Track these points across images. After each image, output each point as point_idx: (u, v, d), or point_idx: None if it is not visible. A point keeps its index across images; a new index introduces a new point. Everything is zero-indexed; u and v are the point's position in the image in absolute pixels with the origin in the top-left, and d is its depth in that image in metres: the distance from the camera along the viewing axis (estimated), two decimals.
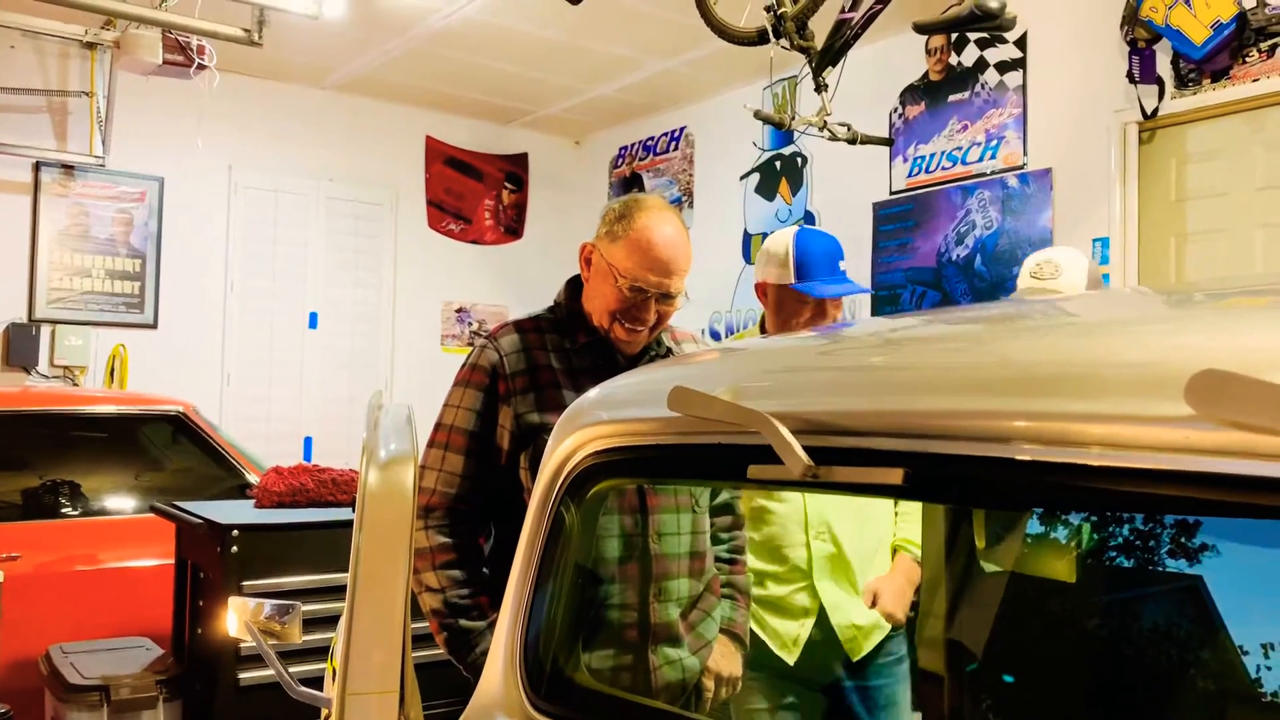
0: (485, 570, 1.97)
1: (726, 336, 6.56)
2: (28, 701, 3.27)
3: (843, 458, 0.82)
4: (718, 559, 2.05)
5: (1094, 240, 4.81)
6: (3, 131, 5.72)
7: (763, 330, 2.48)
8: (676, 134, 7.18)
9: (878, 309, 5.80)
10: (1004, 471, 0.69)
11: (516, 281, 7.51)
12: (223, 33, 5.19)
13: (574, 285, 2.08)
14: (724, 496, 2.07)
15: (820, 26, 3.67)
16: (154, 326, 6.23)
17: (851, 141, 3.76)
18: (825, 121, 3.65)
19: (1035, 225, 5.05)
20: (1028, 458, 0.68)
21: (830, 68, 3.70)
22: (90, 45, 5.86)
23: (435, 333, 7.28)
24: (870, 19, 3.47)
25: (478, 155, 7.51)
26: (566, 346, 2.00)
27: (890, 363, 0.88)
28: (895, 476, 0.75)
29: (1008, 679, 0.90)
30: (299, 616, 1.38)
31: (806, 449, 0.85)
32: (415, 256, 7.19)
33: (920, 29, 3.61)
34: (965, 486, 0.76)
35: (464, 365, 2.04)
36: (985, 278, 5.27)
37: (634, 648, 1.83)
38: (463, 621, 1.90)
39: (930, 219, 5.53)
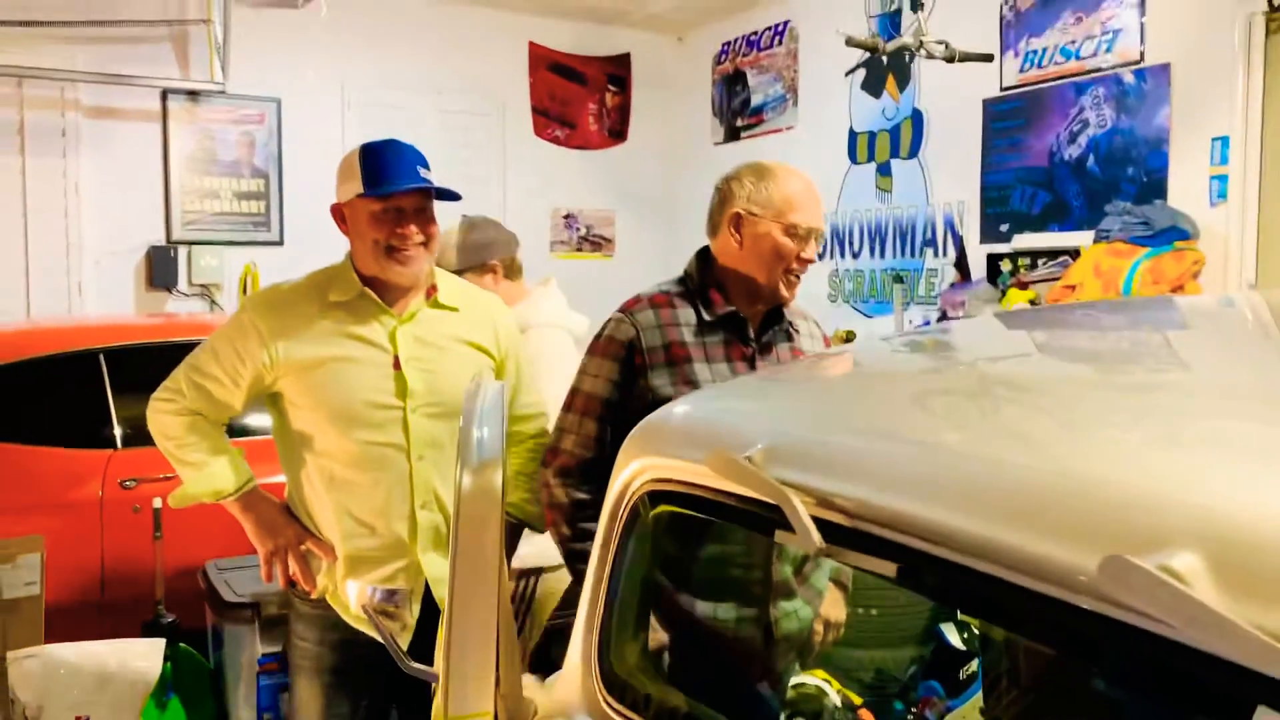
0: None
1: (832, 239, 6.52)
2: (189, 610, 3.65)
3: (851, 540, 0.93)
4: None
5: (1213, 139, 4.60)
6: (132, 63, 6.00)
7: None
8: (780, 28, 7.03)
9: (986, 210, 5.69)
10: (973, 583, 0.80)
11: (622, 185, 7.57)
12: None
13: (703, 257, 2.20)
14: None
15: None
16: (280, 243, 6.55)
17: (950, 60, 3.68)
18: (921, 41, 3.58)
19: (1151, 124, 4.85)
20: (994, 575, 0.78)
21: None
22: None
23: (545, 239, 7.43)
24: None
25: (580, 59, 7.50)
26: (699, 320, 2.14)
27: (904, 455, 0.98)
28: (890, 569, 0.87)
29: None
30: (407, 600, 1.58)
31: (822, 524, 0.96)
32: (522, 165, 7.29)
33: None
34: (945, 591, 0.86)
35: (600, 336, 2.19)
36: (1098, 178, 5.11)
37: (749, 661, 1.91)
38: None
39: (1042, 117, 5.35)
